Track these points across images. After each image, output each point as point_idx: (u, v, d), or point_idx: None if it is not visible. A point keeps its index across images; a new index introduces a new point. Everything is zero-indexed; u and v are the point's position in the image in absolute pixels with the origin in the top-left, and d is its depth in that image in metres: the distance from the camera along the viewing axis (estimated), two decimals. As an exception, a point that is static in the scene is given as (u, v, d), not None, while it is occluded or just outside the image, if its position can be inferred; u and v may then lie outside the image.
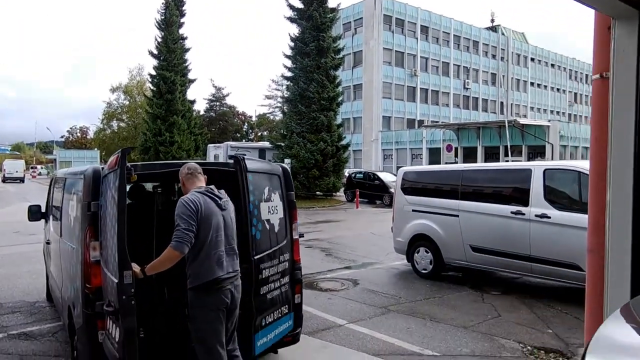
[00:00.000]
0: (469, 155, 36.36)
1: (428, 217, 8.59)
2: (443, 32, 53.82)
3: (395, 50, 50.40)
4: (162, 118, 34.48)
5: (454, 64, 54.66)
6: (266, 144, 32.13)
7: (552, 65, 64.69)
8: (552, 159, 30.08)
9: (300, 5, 26.15)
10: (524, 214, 7.19)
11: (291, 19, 26.18)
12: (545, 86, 63.63)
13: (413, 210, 8.87)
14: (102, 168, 3.81)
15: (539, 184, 7.16)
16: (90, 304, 3.56)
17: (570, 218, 6.76)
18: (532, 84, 62.01)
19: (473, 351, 5.09)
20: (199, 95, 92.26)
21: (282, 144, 26.29)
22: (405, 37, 50.87)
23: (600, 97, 3.46)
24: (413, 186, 9.09)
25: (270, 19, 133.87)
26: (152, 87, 36.64)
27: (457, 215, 8.09)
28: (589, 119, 66.43)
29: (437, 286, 8.03)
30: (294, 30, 26.61)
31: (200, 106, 65.91)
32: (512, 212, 7.33)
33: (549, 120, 36.43)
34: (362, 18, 50.20)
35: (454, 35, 54.67)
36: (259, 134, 66.28)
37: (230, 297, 3.35)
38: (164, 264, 3.20)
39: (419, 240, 8.71)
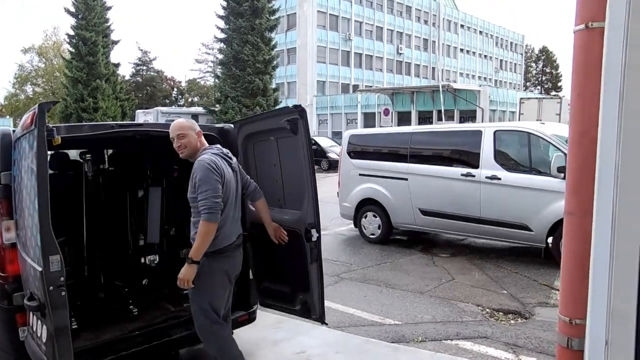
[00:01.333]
0: (403, 119, 36.73)
1: (376, 181, 8.37)
2: (377, -5, 53.44)
3: (330, 14, 49.53)
4: (83, 82, 32.00)
5: (387, 29, 54.63)
6: (199, 109, 30.80)
7: (481, 32, 66.33)
8: (482, 122, 30.99)
9: (232, -38, 24.74)
10: (474, 176, 7.11)
11: (223, -24, 24.79)
12: (474, 53, 65.32)
13: (360, 175, 8.61)
14: (14, 131, 3.15)
15: (490, 146, 7.07)
16: (6, 296, 2.97)
17: (519, 179, 6.75)
18: (461, 50, 63.44)
19: (434, 317, 4.94)
20: (123, 59, 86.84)
21: (216, 109, 25.25)
22: (339, 1, 50.06)
23: (584, 50, 3.23)
24: (360, 150, 8.80)
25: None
26: (70, 49, 33.78)
27: (406, 179, 7.92)
28: (513, 84, 69.48)
29: (387, 251, 7.88)
30: (226, -13, 25.26)
31: (126, 71, 62.16)
32: (462, 175, 7.23)
33: (480, 86, 37.44)
34: (295, -21, 48.70)
35: (387, -1, 54.47)
36: (190, 99, 63.71)
37: (238, 263, 3.28)
38: (206, 241, 2.93)
39: (367, 205, 8.50)
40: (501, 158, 7.03)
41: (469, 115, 33.63)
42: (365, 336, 4.45)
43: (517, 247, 7.44)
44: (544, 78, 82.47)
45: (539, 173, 6.68)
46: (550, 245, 6.60)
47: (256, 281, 3.90)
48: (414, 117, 36.46)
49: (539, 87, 79.16)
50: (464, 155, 7.48)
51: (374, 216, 8.39)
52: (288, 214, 3.66)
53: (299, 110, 3.39)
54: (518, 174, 6.82)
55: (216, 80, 27.44)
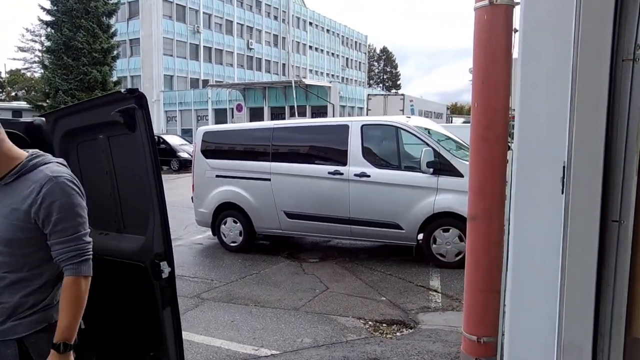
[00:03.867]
0: (256, 115, 36.14)
1: (235, 183, 7.52)
2: (225, -12, 51.98)
3: (176, 4, 46.82)
4: None
5: (237, 23, 53.50)
6: (22, 104, 26.68)
7: (328, 30, 68.54)
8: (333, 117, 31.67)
9: None
10: (342, 174, 6.66)
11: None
12: (322, 50, 67.26)
13: (217, 176, 7.68)
14: None
15: (357, 141, 6.67)
16: None
17: (389, 176, 6.46)
18: (310, 47, 64.84)
19: (316, 340, 4.30)
20: None
21: (45, 105, 21.98)
22: (185, -10, 47.62)
23: (487, 29, 2.79)
24: (216, 148, 7.86)
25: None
26: None
27: (269, 179, 7.21)
28: (358, 82, 73.07)
29: (251, 260, 7.11)
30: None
31: None
32: (329, 173, 6.74)
33: (330, 82, 38.36)
34: (136, -37, 45.12)
35: (236, -8, 53.31)
36: (13, 93, 55.70)
37: None
38: (82, 307, 1.84)
39: (226, 210, 7.61)
40: (369, 154, 6.67)
41: (320, 111, 34.20)
42: (236, 377, 3.63)
43: (386, 245, 7.19)
44: (385, 77, 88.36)
45: (408, 169, 6.45)
46: (420, 242, 6.40)
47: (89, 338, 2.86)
48: (266, 113, 36.09)
49: (381, 85, 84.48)
50: (330, 152, 6.99)
51: (235, 222, 7.54)
52: (127, 240, 2.70)
53: (136, 97, 2.40)
54: (387, 170, 6.52)
55: (44, 71, 23.81)
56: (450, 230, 6.15)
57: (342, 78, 70.31)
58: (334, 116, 32.96)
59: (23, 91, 51.54)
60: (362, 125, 6.73)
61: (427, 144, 6.25)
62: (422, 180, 6.20)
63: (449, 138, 6.99)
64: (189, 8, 48.28)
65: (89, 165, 2.91)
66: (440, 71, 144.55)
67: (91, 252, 1.90)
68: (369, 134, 6.76)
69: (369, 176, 6.50)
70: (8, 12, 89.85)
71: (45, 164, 1.92)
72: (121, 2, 34.34)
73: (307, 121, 8.14)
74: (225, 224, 7.64)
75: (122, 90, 2.48)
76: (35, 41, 52.31)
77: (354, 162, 6.62)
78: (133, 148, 2.53)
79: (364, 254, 7.34)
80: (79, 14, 21.21)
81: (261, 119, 34.84)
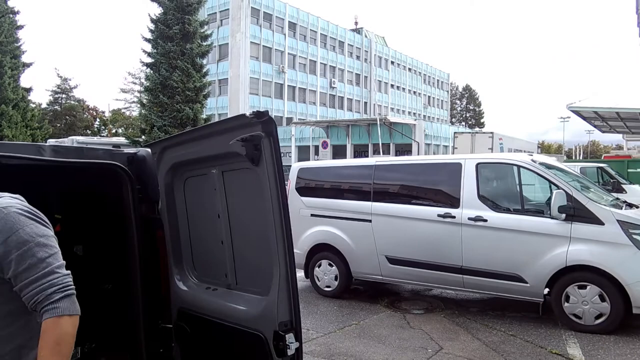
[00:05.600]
0: (338, 152, 36.13)
1: (332, 223, 7.03)
2: (310, 30, 53.57)
3: (263, 45, 48.84)
4: (-14, 109, 28.59)
5: (320, 63, 54.73)
6: (121, 139, 28.33)
7: (410, 69, 68.34)
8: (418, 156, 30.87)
9: (161, -17, 23.10)
10: (454, 217, 5.96)
11: (151, -3, 23.03)
12: (404, 88, 66.97)
13: (312, 215, 7.25)
14: None
15: (471, 181, 5.97)
16: None
17: (511, 221, 5.66)
18: (392, 85, 64.80)
19: (441, 420, 3.59)
20: (39, 86, 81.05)
21: (140, 140, 23.10)
22: (273, 33, 49.57)
23: None
24: (311, 185, 7.47)
25: (127, 5, 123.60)
26: (-30, 69, 30.31)
27: (370, 220, 6.65)
28: (440, 120, 71.68)
29: (348, 308, 6.51)
30: (155, 9, 23.45)
31: (43, 98, 57.65)
32: (439, 215, 6.06)
33: (415, 119, 37.71)
34: (228, 9, 47.75)
35: (320, 34, 54.75)
36: (114, 130, 60.01)
37: None
38: (69, 351, 1.39)
39: (321, 251, 7.12)
40: (486, 196, 5.94)
41: (404, 149, 33.57)
42: None
43: (499, 298, 6.31)
44: (467, 115, 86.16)
45: (533, 213, 5.64)
46: (548, 299, 5.51)
47: None
48: (349, 150, 36.00)
49: (463, 123, 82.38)
50: (440, 193, 6.33)
51: (330, 265, 7.01)
52: (241, 300, 2.22)
53: (263, 121, 1.95)
54: (508, 214, 5.74)
55: (141, 108, 25.17)
56: (588, 287, 5.21)
57: (424, 116, 69.37)
58: (418, 154, 32.13)
59: (122, 128, 55.35)
60: (477, 164, 6.02)
61: (557, 186, 5.43)
62: (552, 227, 5.36)
63: (578, 179, 6.12)
64: (275, 49, 50.10)
65: (198, 204, 2.50)
66: (524, 110, 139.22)
67: (73, 287, 1.46)
68: (485, 173, 6.05)
69: (485, 220, 5.75)
70: (115, 58, 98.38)
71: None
72: (213, 45, 36.19)
73: (414, 158, 7.54)
74: (319, 266, 7.13)
75: (247, 113, 2.03)
76: (135, 83, 56.48)
77: (468, 204, 5.91)
78: (255, 186, 2.08)
79: (475, 306, 6.50)
80: (176, 55, 22.31)
81: (344, 156, 34.75)
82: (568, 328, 5.34)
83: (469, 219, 5.84)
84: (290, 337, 1.93)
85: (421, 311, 6.35)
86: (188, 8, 22.63)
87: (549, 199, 5.50)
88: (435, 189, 6.42)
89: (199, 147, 2.32)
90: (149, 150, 2.56)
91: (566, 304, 5.34)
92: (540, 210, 5.61)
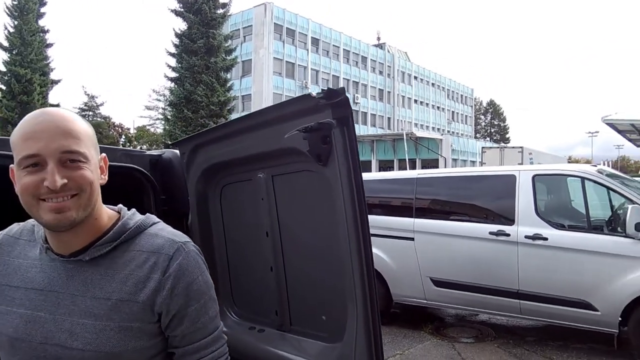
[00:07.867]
0: (363, 168, 35.17)
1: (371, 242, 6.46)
2: (333, 45, 53.56)
3: (286, 61, 48.93)
4: (14, 124, 28.95)
5: (343, 78, 54.55)
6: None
7: (433, 84, 67.73)
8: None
9: (187, -3, 23.08)
10: (508, 235, 5.34)
11: (176, 12, 23.04)
12: (427, 104, 66.31)
13: (347, 232, 6.69)
14: None
15: (528, 195, 5.35)
16: None
17: (576, 240, 5.02)
18: (416, 101, 64.22)
19: None
20: (67, 103, 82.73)
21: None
22: (296, 48, 49.66)
23: None
24: (346, 200, 6.93)
25: (152, 22, 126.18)
26: (1, 86, 30.83)
27: (412, 239, 6.07)
28: (465, 135, 70.61)
29: (389, 335, 5.91)
30: (180, 24, 23.50)
31: (70, 115, 58.32)
32: (491, 233, 5.45)
33: (442, 134, 37.04)
34: (251, 26, 48.08)
35: (343, 49, 54.69)
36: (139, 147, 60.63)
37: None
38: None
39: (357, 271, 6.55)
40: (545, 211, 5.33)
41: (431, 164, 32.85)
42: None
43: (554, 325, 5.63)
44: (492, 130, 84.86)
45: (602, 231, 5.00)
46: (625, 330, 4.83)
47: None
48: (374, 166, 35.46)
49: (488, 138, 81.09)
50: (491, 208, 5.73)
51: (368, 286, 6.43)
52: (300, 348, 1.69)
53: (335, 104, 1.40)
54: (572, 232, 5.11)
55: (165, 123, 25.09)
56: (673, 317, 4.54)
57: (448, 131, 68.49)
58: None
59: (147, 145, 55.82)
60: (534, 175, 5.41)
61: (632, 201, 4.79)
62: (627, 247, 4.71)
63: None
64: (298, 65, 50.13)
65: (239, 219, 1.98)
66: (548, 125, 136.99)
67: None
68: (543, 186, 5.45)
69: (545, 239, 5.12)
70: (140, 75, 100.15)
71: (154, 223, 1.17)
72: (237, 60, 36.27)
73: (460, 170, 6.96)
74: (355, 288, 6.56)
75: (313, 93, 1.50)
76: (159, 100, 57.04)
77: (524, 220, 5.30)
78: (321, 193, 1.56)
79: (531, 335, 5.85)
80: (200, 69, 22.25)
81: (369, 172, 34.24)
82: (648, 364, 4.67)
83: (526, 237, 5.22)
84: None
85: (471, 340, 5.72)
86: (212, 22, 22.60)
87: (612, 215, 4.89)
88: (485, 204, 5.82)
89: (240, 144, 1.79)
90: (177, 151, 2.05)
91: (645, 336, 4.67)
92: (612, 228, 4.97)
